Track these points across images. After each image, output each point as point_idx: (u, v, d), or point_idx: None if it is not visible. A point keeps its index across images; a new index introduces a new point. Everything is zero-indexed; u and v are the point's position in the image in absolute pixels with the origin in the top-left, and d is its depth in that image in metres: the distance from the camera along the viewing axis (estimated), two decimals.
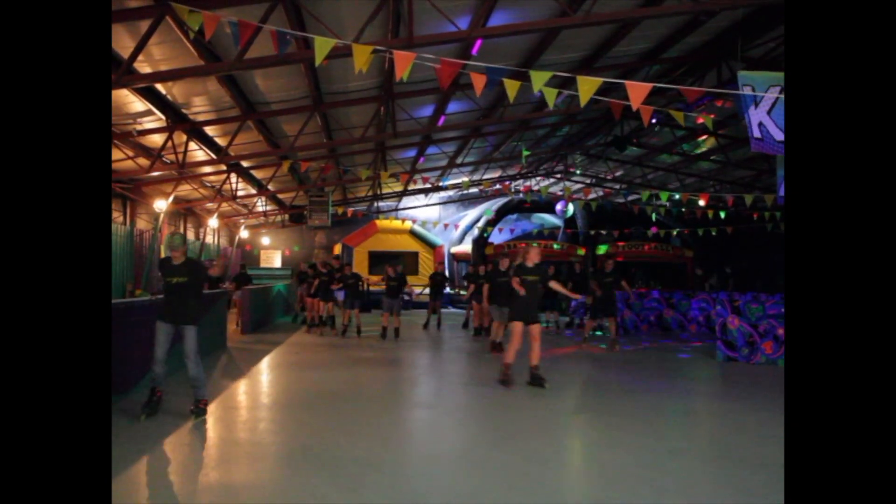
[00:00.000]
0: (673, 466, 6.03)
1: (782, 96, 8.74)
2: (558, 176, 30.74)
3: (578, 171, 29.99)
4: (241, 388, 9.74)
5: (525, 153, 18.94)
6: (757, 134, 9.06)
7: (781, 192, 15.38)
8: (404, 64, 7.58)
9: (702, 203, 24.71)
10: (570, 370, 11.63)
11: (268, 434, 7.11)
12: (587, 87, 7.53)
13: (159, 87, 13.08)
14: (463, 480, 5.56)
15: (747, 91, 8.86)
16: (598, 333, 17.10)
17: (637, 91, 7.43)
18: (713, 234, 26.26)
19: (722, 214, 24.54)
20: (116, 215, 21.45)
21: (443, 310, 20.13)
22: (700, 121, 19.59)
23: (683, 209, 25.82)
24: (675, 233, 28.66)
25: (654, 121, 20.22)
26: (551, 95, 8.22)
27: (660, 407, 8.77)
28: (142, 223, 22.99)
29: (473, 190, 31.39)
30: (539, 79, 7.60)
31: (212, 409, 8.10)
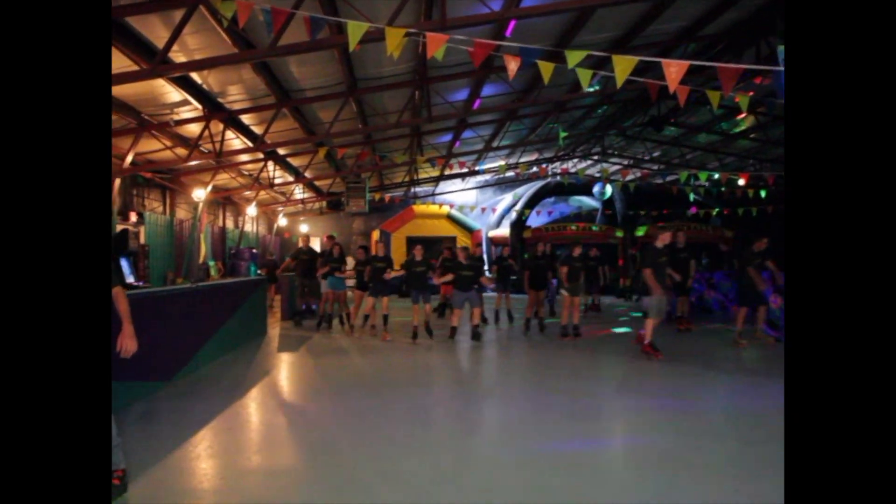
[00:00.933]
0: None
1: None
2: (595, 158, 30.47)
3: (615, 153, 29.69)
4: (282, 372, 9.82)
5: (562, 134, 18.77)
6: None
7: None
8: (437, 45, 7.54)
9: (741, 182, 24.37)
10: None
11: (307, 418, 7.17)
12: (623, 66, 7.42)
13: (195, 76, 13.18)
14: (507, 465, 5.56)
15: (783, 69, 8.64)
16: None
17: (674, 70, 7.32)
18: (754, 214, 25.86)
19: (762, 193, 24.18)
20: (156, 205, 21.70)
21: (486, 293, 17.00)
22: (737, 100, 19.29)
23: (723, 188, 25.48)
24: (714, 213, 28.28)
25: (692, 101, 19.97)
26: (586, 77, 8.14)
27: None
28: (181, 213, 23.24)
29: (510, 173, 31.21)
30: (574, 58, 7.51)
31: (254, 393, 8.19)
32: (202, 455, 5.70)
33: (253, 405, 7.72)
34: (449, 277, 13.44)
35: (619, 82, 7.50)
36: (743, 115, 21.97)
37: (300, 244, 16.38)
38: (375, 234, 33.13)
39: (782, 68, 8.51)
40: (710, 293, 19.30)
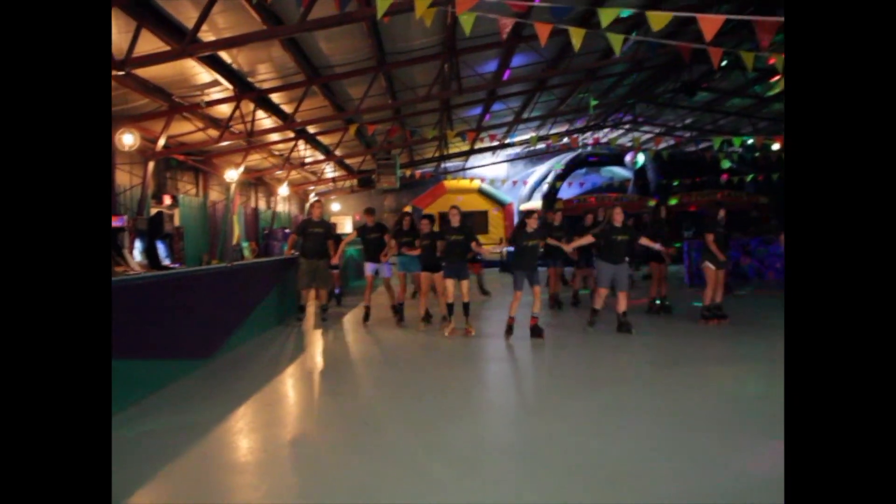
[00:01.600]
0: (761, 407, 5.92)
1: None
2: (626, 127, 30.19)
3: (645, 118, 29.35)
4: (318, 349, 9.86)
5: (593, 102, 18.57)
6: None
7: None
8: (467, 5, 7.42)
9: (776, 147, 23.97)
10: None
11: (344, 392, 7.19)
12: (657, 21, 7.28)
13: (224, 56, 13.18)
14: (539, 427, 5.53)
15: None
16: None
17: (710, 24, 7.16)
18: None
19: None
20: (189, 187, 21.85)
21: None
22: (772, 61, 18.95)
23: (757, 154, 25.09)
24: (748, 179, 27.91)
25: (724, 63, 19.65)
26: (618, 42, 8.00)
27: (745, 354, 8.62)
28: (214, 194, 23.38)
29: (541, 146, 31.05)
30: (607, 17, 7.36)
31: (291, 369, 8.25)
32: (244, 429, 5.73)
33: (290, 381, 7.75)
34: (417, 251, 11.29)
35: (656, 28, 7.29)
36: (777, 78, 21.57)
37: (368, 220, 12.25)
38: (408, 209, 33.17)
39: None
40: (746, 260, 19.03)
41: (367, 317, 12.03)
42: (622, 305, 10.43)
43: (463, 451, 5.02)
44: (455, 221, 10.49)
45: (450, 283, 10.37)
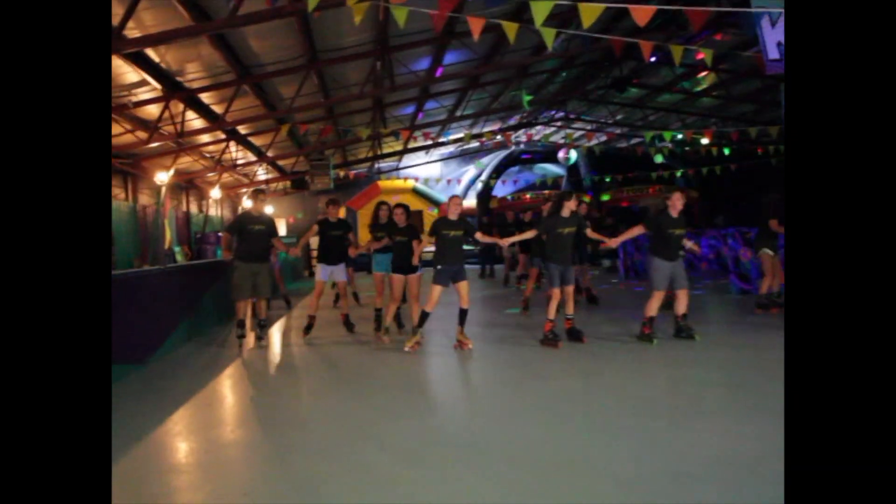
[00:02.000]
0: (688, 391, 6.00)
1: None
2: (559, 124, 30.44)
3: (577, 114, 29.64)
4: (257, 352, 9.67)
5: (526, 98, 18.63)
6: (774, 55, 8.56)
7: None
8: None
9: (705, 141, 24.46)
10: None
11: (283, 393, 7.09)
12: (589, 13, 7.32)
13: (152, 54, 12.90)
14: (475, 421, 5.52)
15: (761, 10, 8.45)
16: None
17: (641, 14, 7.23)
18: (718, 172, 25.97)
19: (726, 151, 24.32)
20: (118, 192, 21.32)
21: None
22: (700, 56, 19.29)
23: (687, 148, 25.56)
24: (679, 174, 28.44)
25: (653, 59, 19.95)
26: (550, 36, 8.03)
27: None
28: (144, 198, 22.87)
29: (474, 144, 31.09)
30: (540, 10, 7.37)
31: (230, 371, 8.12)
32: (183, 432, 5.60)
33: (229, 383, 7.65)
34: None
35: (587, 24, 7.34)
36: (704, 74, 22.00)
37: (329, 215, 10.87)
38: (342, 212, 32.95)
39: (753, 9, 8.38)
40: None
41: (308, 328, 10.62)
42: (682, 306, 9.08)
43: (408, 445, 4.98)
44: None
45: (437, 288, 8.80)
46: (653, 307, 8.91)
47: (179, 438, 5.41)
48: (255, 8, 9.54)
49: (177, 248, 23.67)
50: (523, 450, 4.74)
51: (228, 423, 5.99)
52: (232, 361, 8.73)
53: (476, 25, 7.96)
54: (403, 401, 6.42)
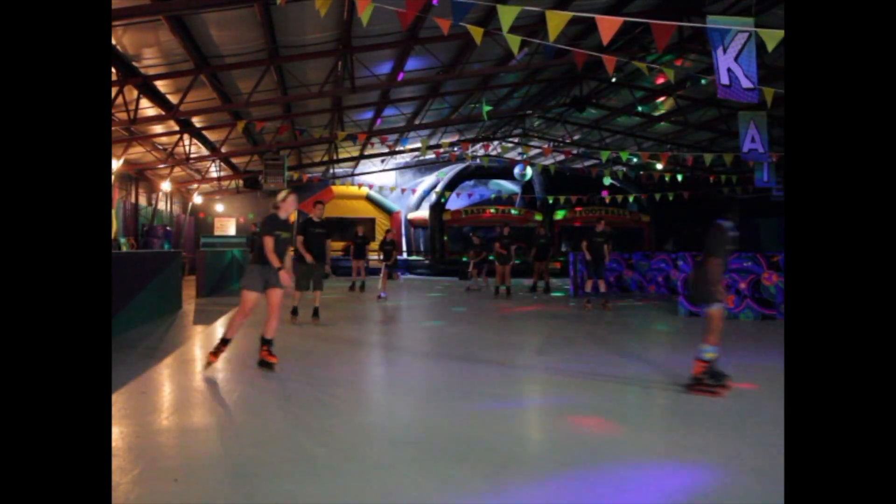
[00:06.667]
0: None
1: (751, 42, 8.63)
2: (516, 140, 30.57)
3: (537, 125, 29.78)
4: (197, 342, 9.45)
5: (486, 108, 18.60)
6: (725, 80, 8.88)
7: (745, 149, 15.41)
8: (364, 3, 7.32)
9: (660, 167, 24.80)
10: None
11: (223, 382, 6.90)
12: (556, 22, 7.31)
13: None
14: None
15: (717, 34, 8.67)
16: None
17: (607, 25, 7.22)
18: (670, 199, 26.32)
19: (679, 177, 24.65)
20: None
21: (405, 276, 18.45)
22: (660, 80, 19.58)
23: (641, 172, 25.86)
24: (631, 198, 28.75)
25: (613, 80, 20.18)
26: (515, 43, 8.02)
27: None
28: None
29: (430, 156, 31.05)
30: (507, 15, 7.34)
31: (169, 360, 7.91)
32: (115, 416, 5.38)
33: (167, 371, 7.44)
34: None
35: (553, 37, 7.37)
36: (663, 99, 22.28)
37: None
38: (293, 216, 32.61)
39: (711, 26, 8.53)
40: (629, 273, 19.53)
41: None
42: None
43: (347, 438, 4.86)
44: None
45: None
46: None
47: (112, 422, 5.20)
48: None
49: (122, 240, 23.18)
50: (468, 444, 4.64)
51: (163, 410, 5.81)
52: (173, 350, 8.52)
53: (445, 23, 7.95)
54: (347, 396, 6.29)
